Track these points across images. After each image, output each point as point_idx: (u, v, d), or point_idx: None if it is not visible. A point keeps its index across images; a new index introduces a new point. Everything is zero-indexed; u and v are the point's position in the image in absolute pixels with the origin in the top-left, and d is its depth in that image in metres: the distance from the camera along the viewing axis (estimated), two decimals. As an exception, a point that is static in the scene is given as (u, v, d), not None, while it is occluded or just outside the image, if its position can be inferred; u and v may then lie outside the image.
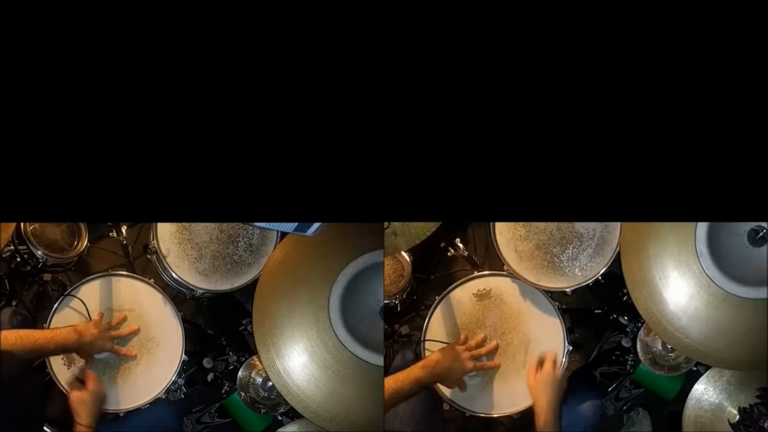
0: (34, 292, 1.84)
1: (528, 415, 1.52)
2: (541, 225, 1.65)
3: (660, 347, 1.68)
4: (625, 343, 1.75)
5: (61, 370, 1.57)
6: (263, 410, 1.70)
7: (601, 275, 1.59)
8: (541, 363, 1.54)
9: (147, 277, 1.67)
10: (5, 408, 1.33)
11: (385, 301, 1.80)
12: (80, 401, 1.49)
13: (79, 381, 1.54)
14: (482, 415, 1.58)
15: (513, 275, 1.62)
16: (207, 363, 1.79)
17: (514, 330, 1.60)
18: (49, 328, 1.56)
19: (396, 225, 1.43)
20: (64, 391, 1.55)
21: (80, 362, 1.58)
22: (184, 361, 1.62)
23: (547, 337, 1.59)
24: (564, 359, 1.57)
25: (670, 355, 1.67)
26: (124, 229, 1.78)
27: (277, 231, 1.69)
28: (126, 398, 1.59)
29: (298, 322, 1.39)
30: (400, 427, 1.51)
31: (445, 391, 1.58)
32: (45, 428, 1.52)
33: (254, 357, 1.72)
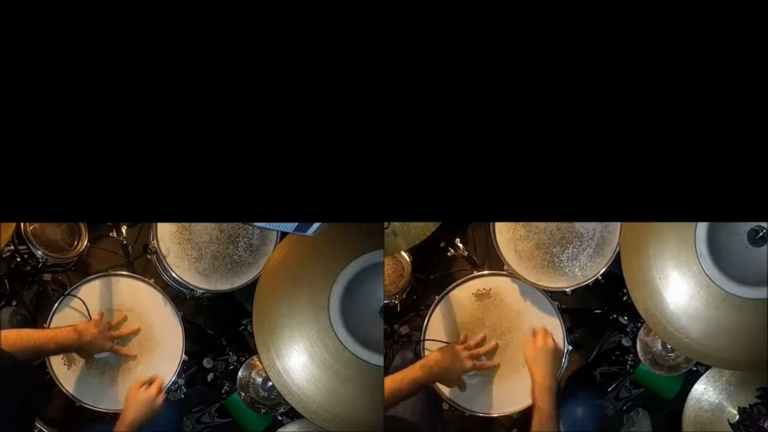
0: (34, 292, 1.84)
1: (528, 414, 1.52)
2: (541, 225, 1.65)
3: (660, 347, 1.68)
4: (625, 343, 1.75)
5: (61, 370, 1.57)
6: (263, 410, 1.70)
7: (601, 275, 1.59)
8: (534, 336, 1.55)
9: (147, 277, 1.67)
10: (5, 411, 1.33)
11: (385, 301, 1.80)
12: (135, 399, 1.49)
13: (149, 383, 1.54)
14: (482, 414, 1.58)
15: (513, 275, 1.62)
16: (207, 363, 1.79)
17: (514, 330, 1.61)
18: (49, 328, 1.56)
19: (396, 225, 1.43)
20: (63, 390, 1.55)
21: (80, 362, 1.58)
22: (184, 361, 1.62)
23: (547, 337, 1.59)
24: (564, 359, 1.57)
25: (670, 355, 1.67)
26: (124, 229, 1.78)
27: (277, 231, 1.69)
28: (126, 398, 1.58)
29: (298, 322, 1.39)
30: (400, 427, 1.51)
31: (445, 390, 1.58)
32: (43, 428, 1.52)
33: (254, 357, 1.72)
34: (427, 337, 1.63)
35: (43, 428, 1.52)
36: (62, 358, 1.57)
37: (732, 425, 1.56)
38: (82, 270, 1.89)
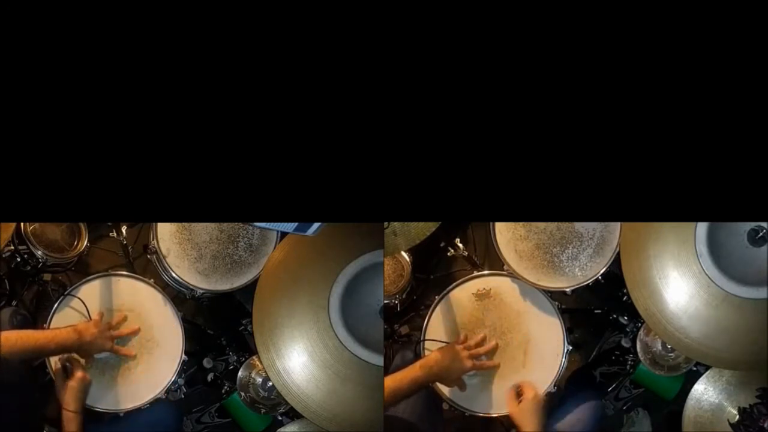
0: (34, 292, 1.84)
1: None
2: (541, 225, 1.65)
3: (660, 347, 1.68)
4: (625, 343, 1.75)
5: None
6: (263, 410, 1.70)
7: (601, 275, 1.59)
8: (519, 393, 1.52)
9: (147, 277, 1.67)
10: (5, 411, 1.33)
11: (385, 301, 1.80)
12: (67, 388, 1.48)
13: (65, 369, 1.53)
14: (482, 414, 1.58)
15: (513, 275, 1.62)
16: (207, 363, 1.79)
17: (514, 330, 1.61)
18: (49, 328, 1.56)
19: (396, 225, 1.43)
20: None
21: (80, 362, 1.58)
22: (184, 361, 1.62)
23: (547, 337, 1.59)
24: (563, 359, 1.57)
25: (670, 355, 1.67)
26: (124, 229, 1.78)
27: (277, 231, 1.69)
28: (126, 398, 1.59)
29: (298, 322, 1.39)
30: (400, 426, 1.51)
31: (445, 390, 1.58)
32: (45, 429, 1.52)
33: (254, 357, 1.72)
34: (427, 337, 1.63)
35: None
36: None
37: (732, 425, 1.56)
38: (82, 270, 1.89)
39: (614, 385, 1.82)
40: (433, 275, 2.03)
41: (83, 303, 1.59)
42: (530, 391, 1.51)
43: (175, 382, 1.62)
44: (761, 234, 1.40)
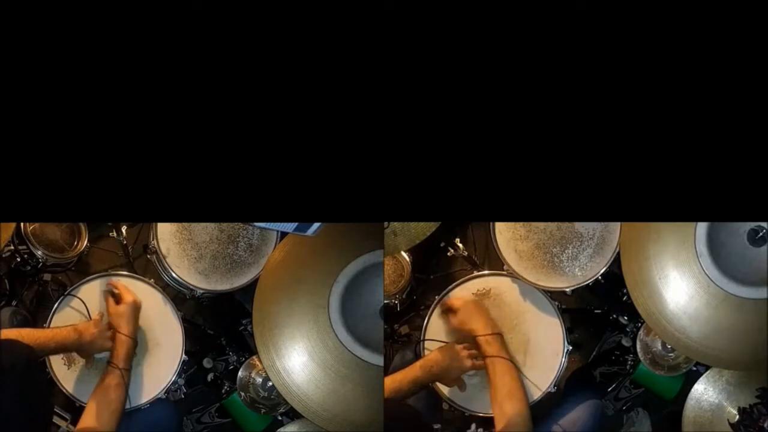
0: (34, 292, 1.84)
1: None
2: (541, 225, 1.65)
3: (660, 347, 1.68)
4: (625, 343, 1.75)
5: (61, 370, 1.57)
6: (263, 410, 1.70)
7: (601, 275, 1.59)
8: (449, 310, 1.59)
9: (147, 277, 1.67)
10: (14, 397, 1.33)
11: (385, 301, 1.80)
12: (118, 314, 1.55)
13: (112, 294, 1.59)
14: (482, 414, 1.57)
15: (513, 275, 1.62)
16: (207, 363, 1.79)
17: (514, 330, 1.60)
18: (49, 327, 1.56)
19: (396, 225, 1.43)
20: (63, 390, 1.55)
21: (80, 362, 1.58)
22: (184, 361, 1.62)
23: (547, 337, 1.59)
24: (563, 359, 1.57)
25: (670, 355, 1.67)
26: (124, 229, 1.78)
27: (277, 231, 1.69)
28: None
29: (298, 322, 1.39)
30: (401, 411, 1.51)
31: (445, 390, 1.58)
32: (56, 410, 1.53)
33: (254, 357, 1.72)
34: (427, 337, 1.63)
35: (61, 413, 1.54)
36: (62, 358, 1.57)
37: (732, 425, 1.56)
38: (82, 270, 1.89)
39: (614, 385, 1.82)
40: (433, 275, 2.03)
41: (83, 303, 1.59)
42: (457, 301, 1.57)
43: (175, 382, 1.62)
44: (761, 234, 1.40)
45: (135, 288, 1.65)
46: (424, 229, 1.43)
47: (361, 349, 1.36)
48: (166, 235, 1.70)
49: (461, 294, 1.63)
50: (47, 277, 1.79)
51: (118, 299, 1.58)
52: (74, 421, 1.52)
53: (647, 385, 1.79)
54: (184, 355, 1.62)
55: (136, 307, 1.58)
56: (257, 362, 1.70)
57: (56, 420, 1.53)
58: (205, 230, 1.72)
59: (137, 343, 1.57)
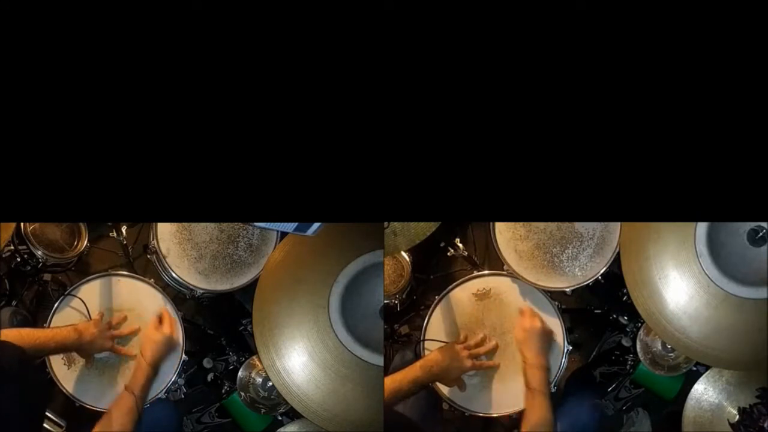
0: (34, 292, 1.84)
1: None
2: (541, 225, 1.65)
3: (660, 347, 1.68)
4: (625, 343, 1.75)
5: (61, 370, 1.57)
6: (263, 410, 1.70)
7: (601, 275, 1.59)
8: (521, 316, 1.57)
9: (147, 277, 1.67)
10: (6, 399, 1.33)
11: (385, 301, 1.80)
12: (151, 339, 1.55)
13: (159, 319, 1.59)
14: (481, 414, 1.58)
15: (513, 275, 1.62)
16: (207, 363, 1.79)
17: (514, 330, 1.60)
18: (49, 327, 1.56)
19: (396, 225, 1.43)
20: (63, 390, 1.55)
21: (80, 362, 1.58)
22: (184, 361, 1.62)
23: (547, 337, 1.59)
24: (563, 359, 1.57)
25: (670, 355, 1.67)
26: (124, 229, 1.78)
27: (277, 231, 1.69)
28: (126, 398, 1.58)
29: (298, 322, 1.39)
30: (401, 423, 1.51)
31: (445, 390, 1.58)
32: (50, 415, 1.52)
33: (254, 357, 1.72)
34: (427, 337, 1.63)
35: (56, 419, 1.53)
36: (62, 358, 1.57)
37: (732, 425, 1.56)
38: (82, 270, 1.89)
39: (614, 385, 1.81)
40: (433, 275, 2.03)
41: (83, 303, 1.59)
42: (527, 319, 1.55)
43: (175, 382, 1.62)
44: (761, 234, 1.40)
45: (135, 288, 1.66)
46: (424, 229, 1.43)
47: (361, 349, 1.36)
48: (166, 235, 1.70)
49: (525, 309, 1.59)
50: (47, 277, 1.79)
51: (159, 326, 1.58)
52: (70, 429, 1.52)
53: (647, 385, 1.79)
54: (184, 355, 1.62)
55: (170, 343, 1.58)
56: (257, 362, 1.70)
57: (51, 427, 1.52)
58: (205, 230, 1.72)
59: (156, 374, 1.55)
